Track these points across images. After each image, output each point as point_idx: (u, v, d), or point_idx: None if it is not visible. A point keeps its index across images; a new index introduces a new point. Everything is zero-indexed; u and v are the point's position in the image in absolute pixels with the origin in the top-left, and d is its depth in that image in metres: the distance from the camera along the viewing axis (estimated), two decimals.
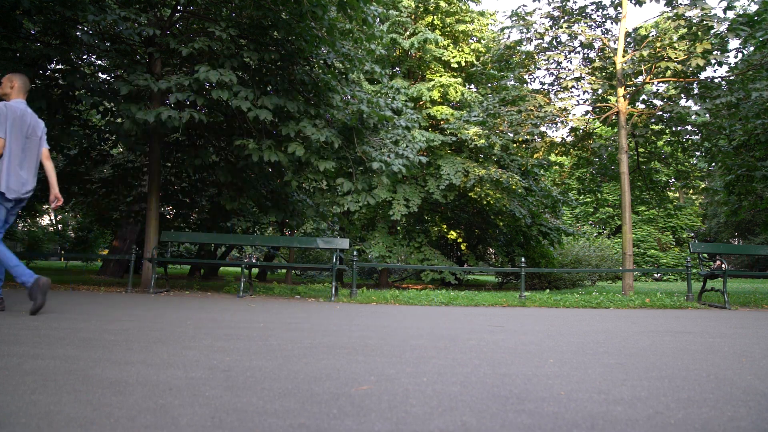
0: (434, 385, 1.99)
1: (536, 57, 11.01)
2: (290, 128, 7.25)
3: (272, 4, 7.17)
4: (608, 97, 10.99)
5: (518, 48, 11.02)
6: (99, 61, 9.20)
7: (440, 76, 13.96)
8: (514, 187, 12.22)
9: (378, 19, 8.01)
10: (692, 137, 11.59)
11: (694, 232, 31.34)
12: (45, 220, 28.65)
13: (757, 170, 11.20)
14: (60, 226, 27.08)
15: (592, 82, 10.20)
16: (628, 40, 10.49)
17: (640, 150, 12.18)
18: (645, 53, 9.22)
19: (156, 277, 7.63)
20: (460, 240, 15.02)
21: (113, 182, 11.35)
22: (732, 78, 9.77)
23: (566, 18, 10.68)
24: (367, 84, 13.07)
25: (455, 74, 14.68)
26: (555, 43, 10.95)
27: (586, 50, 11.10)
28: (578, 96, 11.50)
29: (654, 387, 2.04)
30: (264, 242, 8.23)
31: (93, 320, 3.86)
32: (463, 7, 14.57)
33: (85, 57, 8.85)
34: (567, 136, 12.90)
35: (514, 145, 11.50)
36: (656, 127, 11.21)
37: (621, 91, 9.87)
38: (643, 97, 11.56)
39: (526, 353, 2.80)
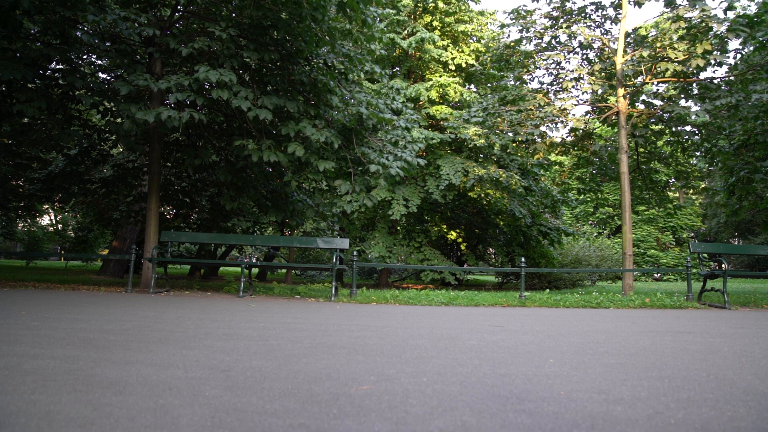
0: (434, 385, 1.99)
1: (536, 57, 11.01)
2: (290, 128, 7.26)
3: (272, 5, 7.17)
4: (608, 98, 10.99)
5: (518, 47, 11.02)
6: (99, 61, 9.20)
7: (440, 76, 13.95)
8: (513, 186, 12.21)
9: (378, 19, 8.00)
10: (692, 137, 11.59)
11: (694, 232, 31.34)
12: (45, 220, 28.65)
13: (757, 171, 11.20)
14: (60, 226, 27.07)
15: (592, 82, 10.20)
16: (627, 40, 10.49)
17: (640, 150, 12.18)
18: (645, 54, 9.22)
19: (156, 277, 7.62)
20: (460, 240, 15.01)
21: (113, 182, 11.36)
22: (731, 78, 9.77)
23: (565, 18, 10.68)
24: (367, 83, 13.07)
25: (454, 74, 14.67)
26: (554, 43, 10.95)
27: (585, 51, 11.10)
28: (578, 96, 11.51)
29: (654, 387, 2.05)
30: (264, 242, 8.23)
31: (93, 320, 3.86)
32: (463, 7, 14.56)
33: (85, 57, 8.85)
34: (567, 136, 12.90)
35: (514, 144, 11.49)
36: (656, 127, 11.21)
37: (621, 91, 9.87)
38: (643, 97, 11.56)
39: (526, 353, 2.80)
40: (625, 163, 9.73)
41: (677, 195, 30.33)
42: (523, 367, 2.41)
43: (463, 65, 14.01)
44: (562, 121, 10.46)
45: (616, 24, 10.89)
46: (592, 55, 11.13)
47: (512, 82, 12.13)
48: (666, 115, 10.41)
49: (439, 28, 14.54)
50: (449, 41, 14.45)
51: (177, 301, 6.11)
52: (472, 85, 15.85)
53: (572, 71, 10.77)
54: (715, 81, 10.02)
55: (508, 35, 11.77)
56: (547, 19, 10.78)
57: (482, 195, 13.10)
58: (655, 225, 28.44)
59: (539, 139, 10.36)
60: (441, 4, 14.03)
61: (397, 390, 1.90)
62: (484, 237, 15.93)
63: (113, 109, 8.92)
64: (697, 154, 13.13)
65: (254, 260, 21.79)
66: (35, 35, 8.39)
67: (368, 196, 8.51)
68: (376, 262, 12.41)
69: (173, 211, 12.95)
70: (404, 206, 12.16)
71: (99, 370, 2.14)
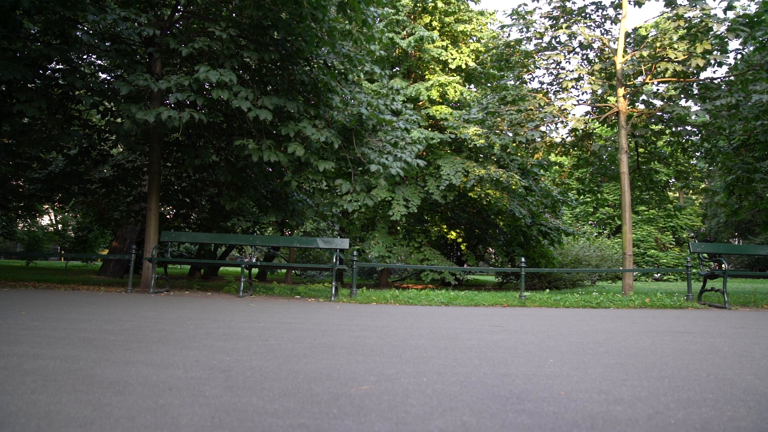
0: (434, 385, 1.99)
1: (536, 57, 11.00)
2: (290, 128, 7.26)
3: (272, 5, 7.17)
4: (608, 98, 10.98)
5: (518, 47, 11.01)
6: (99, 61, 9.20)
7: (439, 76, 13.95)
8: (514, 186, 12.21)
9: (378, 19, 8.00)
10: (692, 137, 11.59)
11: (694, 232, 31.34)
12: (45, 220, 28.64)
13: (757, 172, 11.19)
14: (60, 226, 27.07)
15: (592, 82, 10.19)
16: (627, 40, 10.48)
17: (640, 150, 12.17)
18: (645, 53, 9.22)
19: (156, 277, 7.62)
20: (460, 240, 15.01)
21: (113, 182, 11.36)
22: (731, 78, 9.77)
23: (566, 18, 10.68)
24: (367, 83, 13.06)
25: (454, 74, 14.66)
26: (554, 43, 10.94)
27: (585, 51, 11.10)
28: (578, 96, 11.50)
29: (654, 387, 2.04)
30: (264, 242, 8.23)
31: (93, 320, 3.86)
32: (462, 7, 14.55)
33: (85, 57, 8.85)
34: (567, 137, 12.89)
35: (514, 144, 11.50)
36: (656, 128, 11.21)
37: (621, 91, 9.87)
38: (643, 97, 11.55)
39: (526, 353, 2.80)
40: (625, 163, 9.72)
41: (677, 195, 30.33)
42: (523, 367, 2.41)
43: (463, 66, 14.00)
44: (562, 122, 10.45)
45: (616, 24, 10.89)
46: (592, 55, 11.13)
47: (512, 82, 12.12)
48: (666, 115, 10.40)
49: (438, 28, 14.52)
50: (449, 41, 14.43)
51: (177, 301, 6.11)
52: (472, 85, 15.84)
53: (572, 71, 10.76)
54: (715, 81, 10.02)
55: (508, 35, 11.75)
56: (548, 19, 10.78)
57: (482, 195, 13.10)
58: (655, 225, 28.43)
59: (539, 139, 10.35)
60: (440, 4, 14.01)
61: (397, 390, 1.90)
62: (484, 237, 15.92)
63: (113, 109, 8.92)
64: (697, 154, 13.13)
65: (254, 260, 21.78)
66: (35, 35, 8.39)
67: (369, 196, 8.51)
68: (376, 262, 12.42)
69: (173, 211, 12.95)
70: (404, 206, 12.15)
71: (99, 370, 2.14)
